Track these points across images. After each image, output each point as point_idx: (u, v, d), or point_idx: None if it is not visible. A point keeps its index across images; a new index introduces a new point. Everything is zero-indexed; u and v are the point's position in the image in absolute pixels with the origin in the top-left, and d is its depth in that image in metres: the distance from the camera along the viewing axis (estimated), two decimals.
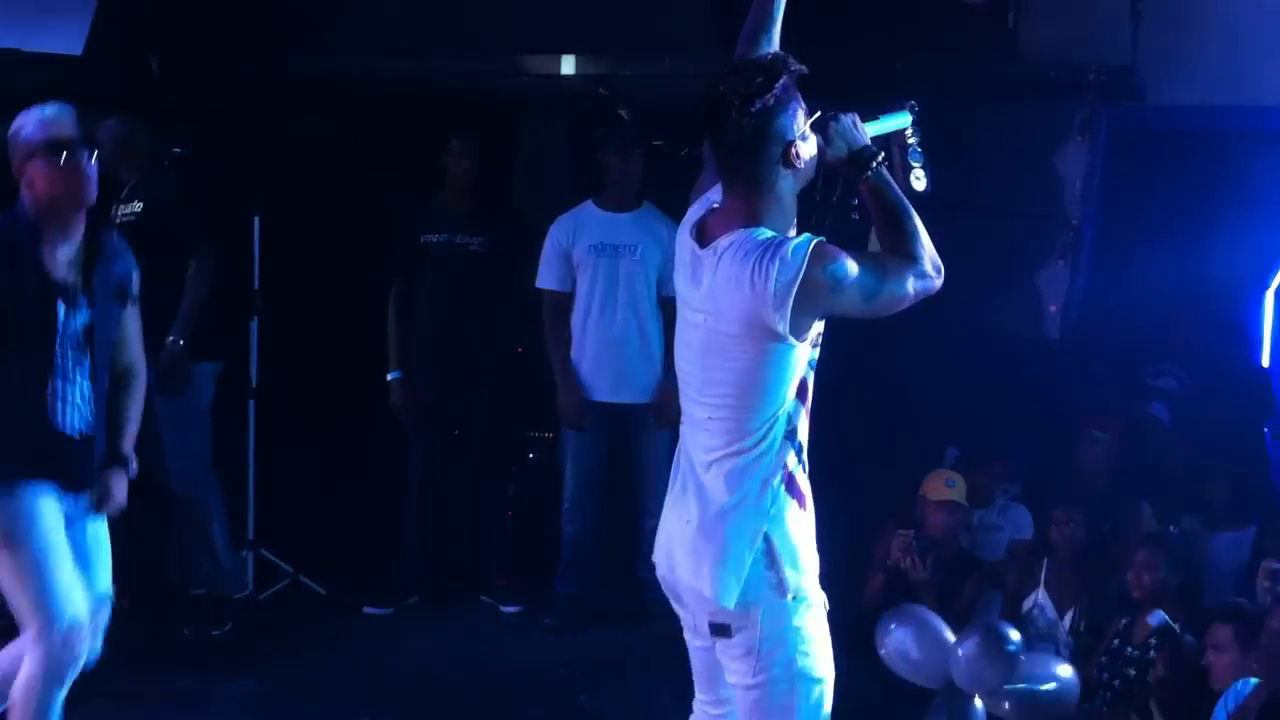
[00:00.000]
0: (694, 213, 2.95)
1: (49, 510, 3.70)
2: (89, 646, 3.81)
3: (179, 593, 5.89)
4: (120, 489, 3.88)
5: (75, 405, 3.78)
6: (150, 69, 5.97)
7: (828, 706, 2.91)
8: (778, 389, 2.82)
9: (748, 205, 2.81)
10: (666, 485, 5.90)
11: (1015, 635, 4.76)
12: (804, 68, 2.86)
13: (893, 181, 2.97)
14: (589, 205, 5.83)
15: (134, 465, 3.95)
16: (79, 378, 3.78)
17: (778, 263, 2.71)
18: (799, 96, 2.84)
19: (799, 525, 2.89)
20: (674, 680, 5.26)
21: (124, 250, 3.97)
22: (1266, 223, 6.90)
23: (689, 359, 2.97)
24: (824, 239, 2.82)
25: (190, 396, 5.70)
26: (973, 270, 5.71)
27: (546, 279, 5.79)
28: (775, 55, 2.96)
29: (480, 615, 5.97)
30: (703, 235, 2.87)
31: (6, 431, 3.71)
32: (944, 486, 5.62)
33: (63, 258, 3.75)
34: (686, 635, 3.14)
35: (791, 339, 2.76)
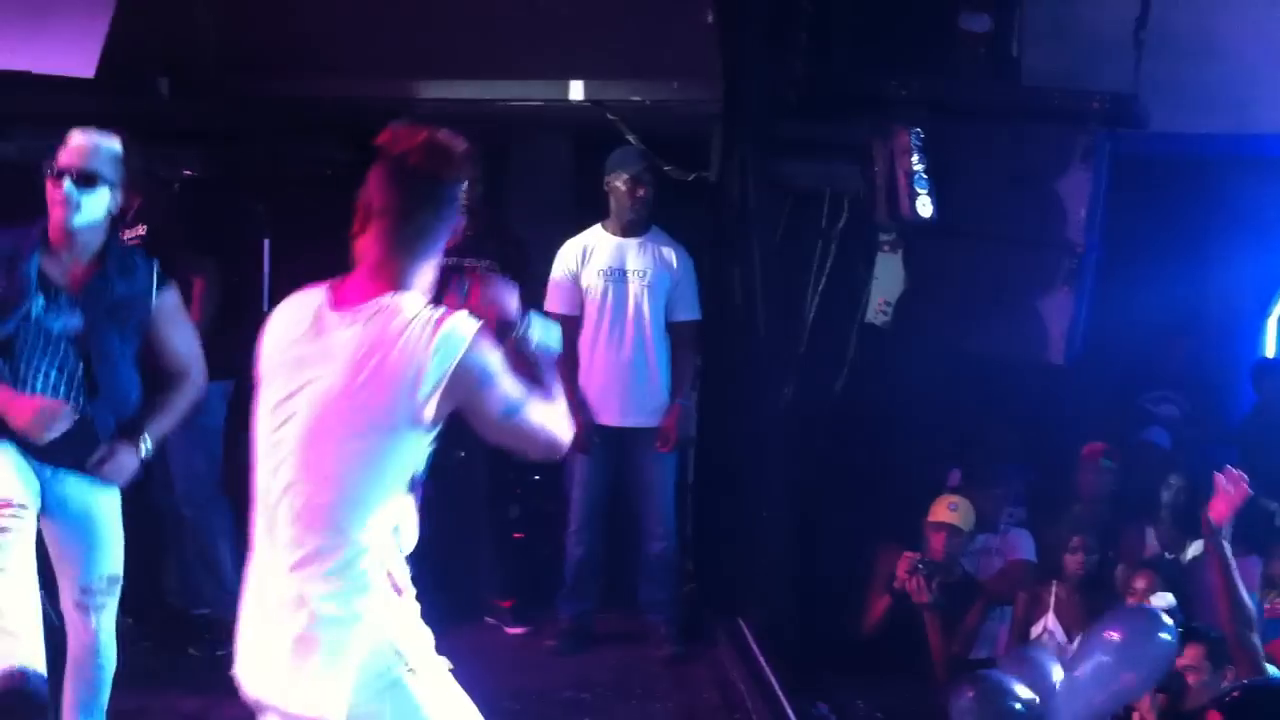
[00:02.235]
0: None
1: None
2: (90, 626, 4.02)
3: (184, 613, 5.90)
4: (123, 456, 4.04)
5: (38, 390, 3.96)
6: (160, 91, 6.01)
7: None
8: (396, 479, 2.87)
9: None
10: (671, 509, 5.97)
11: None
12: None
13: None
14: (597, 229, 5.86)
15: (147, 446, 4.12)
16: (46, 368, 3.98)
17: (425, 337, 2.70)
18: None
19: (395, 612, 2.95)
20: (676, 703, 5.32)
21: (140, 275, 4.15)
22: (1267, 250, 6.95)
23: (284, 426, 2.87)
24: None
25: (201, 416, 5.71)
26: (975, 296, 5.77)
27: (554, 302, 5.82)
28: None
29: (484, 636, 5.97)
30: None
31: None
32: (946, 510, 5.65)
33: (65, 264, 4.00)
34: None
35: (424, 425, 2.74)
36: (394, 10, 6.21)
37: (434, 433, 2.78)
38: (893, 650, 5.54)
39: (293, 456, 2.74)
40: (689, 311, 5.81)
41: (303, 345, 2.77)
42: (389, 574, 2.83)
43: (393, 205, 2.76)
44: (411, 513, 2.86)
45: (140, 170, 5.77)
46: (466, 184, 2.88)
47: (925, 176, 5.50)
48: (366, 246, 2.78)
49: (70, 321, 4.02)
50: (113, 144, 4.11)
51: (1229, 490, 4.40)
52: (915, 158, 5.54)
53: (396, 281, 2.76)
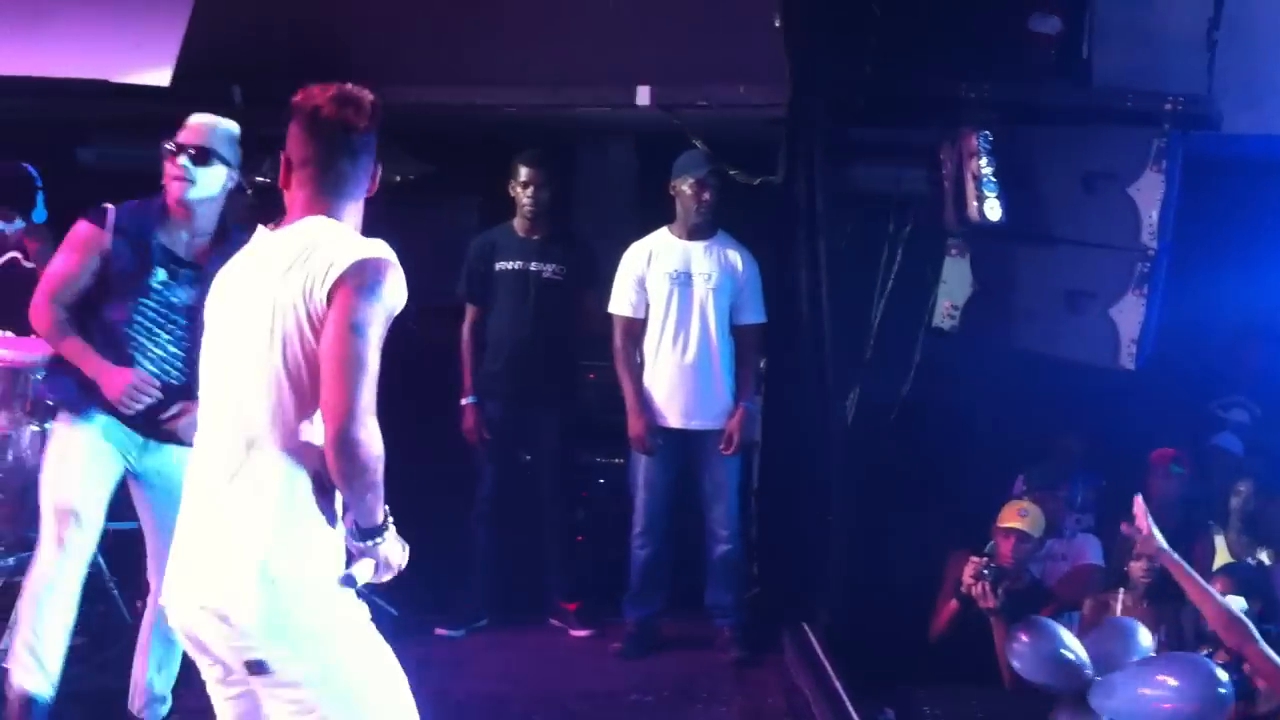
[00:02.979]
0: None
1: (92, 426, 4.20)
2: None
3: None
4: (183, 422, 4.17)
5: (153, 360, 4.22)
6: (233, 100, 6.09)
7: None
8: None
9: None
10: (735, 512, 5.97)
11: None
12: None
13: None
14: (663, 232, 5.87)
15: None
16: (163, 338, 4.24)
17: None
18: None
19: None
20: (740, 707, 5.31)
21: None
22: None
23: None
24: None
25: None
26: (1044, 300, 5.73)
27: (620, 304, 5.84)
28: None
29: (549, 639, 6.00)
30: None
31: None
32: (1016, 515, 5.60)
33: (183, 240, 4.27)
34: None
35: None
36: (461, 18, 6.27)
37: None
38: (960, 657, 5.49)
39: None
40: (754, 315, 5.81)
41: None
42: None
43: (311, 155, 2.90)
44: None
45: None
46: (375, 134, 2.95)
47: (994, 180, 5.47)
48: (293, 197, 2.94)
49: (190, 294, 4.21)
50: (229, 126, 4.32)
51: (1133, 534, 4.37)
52: (984, 161, 5.51)
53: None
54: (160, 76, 5.64)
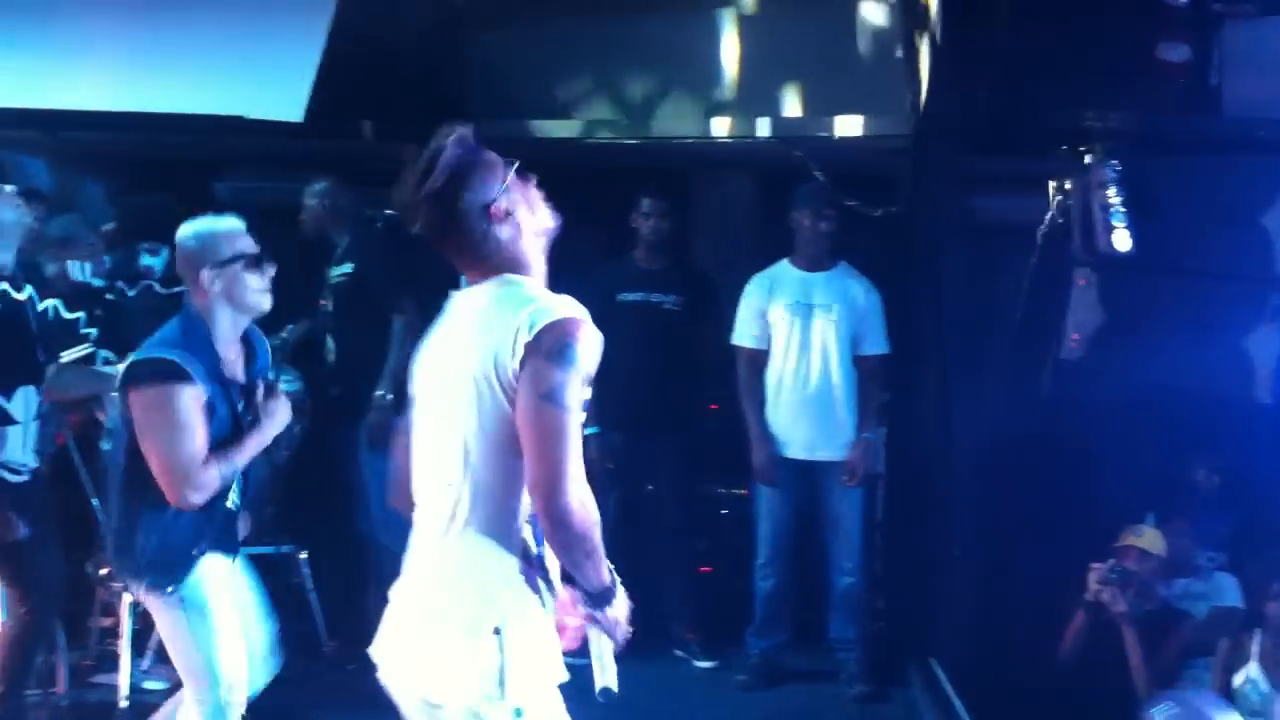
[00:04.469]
0: None
1: (219, 576, 3.86)
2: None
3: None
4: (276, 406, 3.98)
5: (235, 482, 3.93)
6: (364, 135, 6.24)
7: None
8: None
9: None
10: (858, 544, 5.93)
11: None
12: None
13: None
14: (785, 264, 5.88)
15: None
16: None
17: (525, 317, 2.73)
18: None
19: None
20: None
21: (260, 339, 4.09)
22: None
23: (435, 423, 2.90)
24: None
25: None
26: (1176, 331, 5.62)
27: (743, 335, 5.86)
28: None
29: (673, 669, 6.01)
30: None
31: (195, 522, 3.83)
32: (1130, 535, 5.49)
33: (233, 356, 3.88)
34: None
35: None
36: (584, 53, 6.36)
37: None
38: (1092, 692, 5.38)
39: None
40: (876, 345, 5.79)
41: None
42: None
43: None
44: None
45: (349, 211, 6.05)
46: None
47: (1122, 210, 5.39)
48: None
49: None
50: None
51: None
52: (1112, 191, 5.43)
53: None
54: (293, 111, 5.77)
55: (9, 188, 4.24)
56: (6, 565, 4.31)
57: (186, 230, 3.89)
